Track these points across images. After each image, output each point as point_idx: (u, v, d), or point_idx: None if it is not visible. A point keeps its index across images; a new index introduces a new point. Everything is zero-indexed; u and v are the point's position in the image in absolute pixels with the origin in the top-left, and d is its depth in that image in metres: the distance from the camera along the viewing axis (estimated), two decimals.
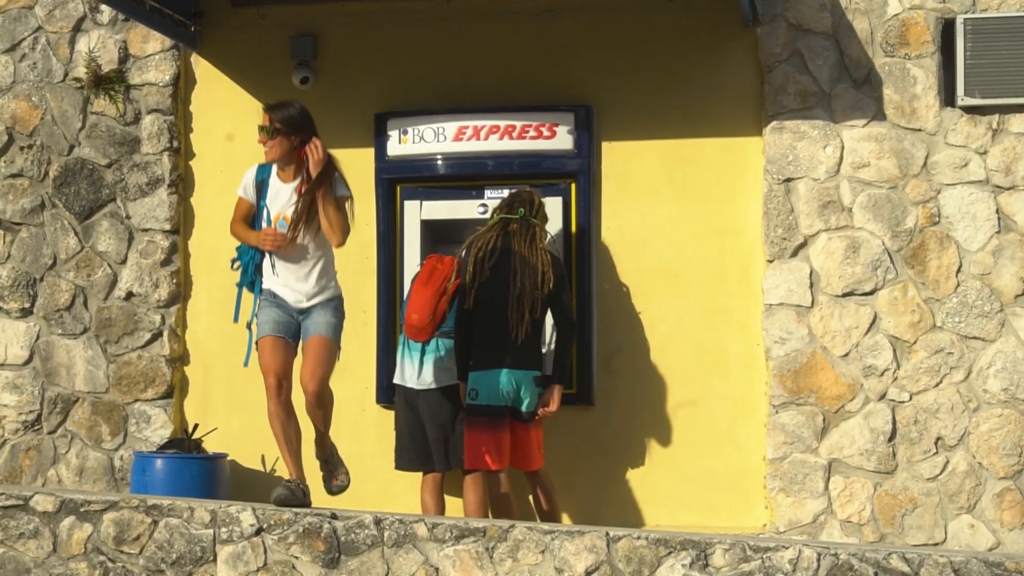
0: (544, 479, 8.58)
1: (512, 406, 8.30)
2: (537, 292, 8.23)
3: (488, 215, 8.82)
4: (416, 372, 8.60)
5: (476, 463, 8.30)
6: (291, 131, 7.49)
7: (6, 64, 9.73)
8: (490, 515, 8.44)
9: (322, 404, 7.61)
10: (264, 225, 7.63)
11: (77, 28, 9.67)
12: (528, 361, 8.29)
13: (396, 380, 8.80)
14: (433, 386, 8.57)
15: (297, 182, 7.54)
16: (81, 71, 9.57)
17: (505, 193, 8.73)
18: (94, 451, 9.53)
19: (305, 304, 7.56)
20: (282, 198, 7.55)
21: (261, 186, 7.65)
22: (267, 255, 7.62)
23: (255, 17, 9.43)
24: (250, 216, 7.70)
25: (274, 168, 7.64)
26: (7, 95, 9.69)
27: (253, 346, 7.75)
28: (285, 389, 7.53)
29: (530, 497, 8.63)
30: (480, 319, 8.30)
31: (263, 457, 9.31)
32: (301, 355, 7.62)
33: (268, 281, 7.67)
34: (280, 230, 7.49)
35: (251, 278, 7.74)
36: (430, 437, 8.63)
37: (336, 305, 7.67)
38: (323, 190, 7.48)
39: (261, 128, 7.54)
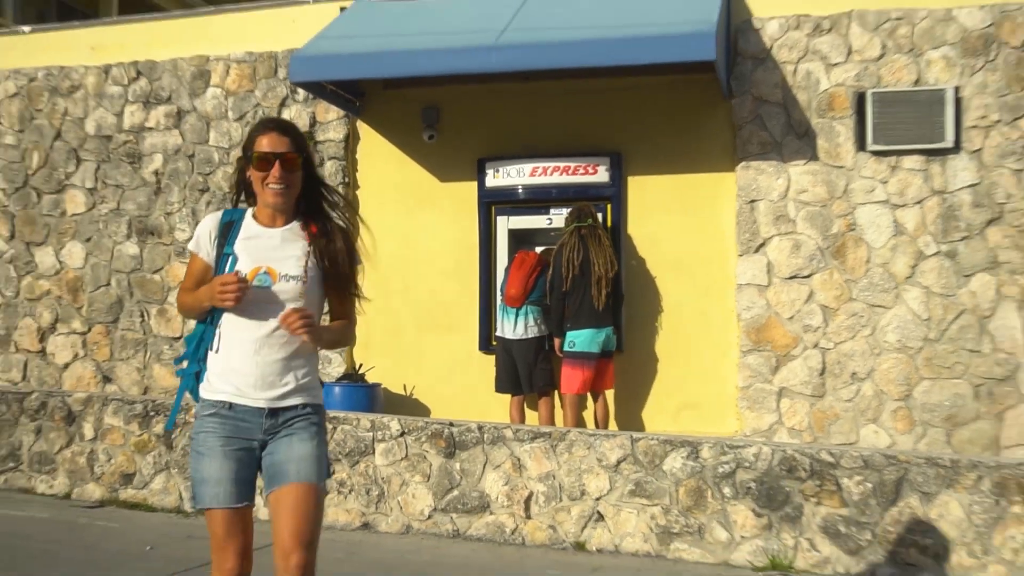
0: (605, 400, 8.62)
1: (599, 351, 8.36)
2: (609, 274, 8.31)
3: (551, 224, 8.86)
4: (512, 327, 8.66)
5: (569, 389, 8.39)
6: (303, 157, 3.71)
7: (237, 128, 9.83)
8: (561, 423, 8.50)
9: None
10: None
11: (282, 103, 9.75)
12: (607, 321, 8.36)
13: (498, 333, 8.85)
14: (524, 336, 8.63)
15: (291, 227, 3.70)
16: None
17: (563, 211, 8.71)
18: None
19: (279, 404, 3.58)
20: (263, 246, 3.64)
21: (228, 229, 3.67)
22: (218, 332, 3.63)
23: (398, 95, 9.47)
24: (205, 281, 3.68)
25: (249, 209, 3.75)
26: (236, 148, 9.71)
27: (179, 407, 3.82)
28: (247, 567, 3.62)
29: (592, 411, 8.66)
30: (572, 296, 8.32)
31: (404, 386, 9.36)
32: (271, 506, 3.57)
33: (217, 383, 3.62)
34: (263, 285, 3.56)
35: (197, 367, 3.67)
36: (520, 371, 8.66)
37: (321, 420, 3.68)
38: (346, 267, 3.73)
39: (277, 156, 3.60)
